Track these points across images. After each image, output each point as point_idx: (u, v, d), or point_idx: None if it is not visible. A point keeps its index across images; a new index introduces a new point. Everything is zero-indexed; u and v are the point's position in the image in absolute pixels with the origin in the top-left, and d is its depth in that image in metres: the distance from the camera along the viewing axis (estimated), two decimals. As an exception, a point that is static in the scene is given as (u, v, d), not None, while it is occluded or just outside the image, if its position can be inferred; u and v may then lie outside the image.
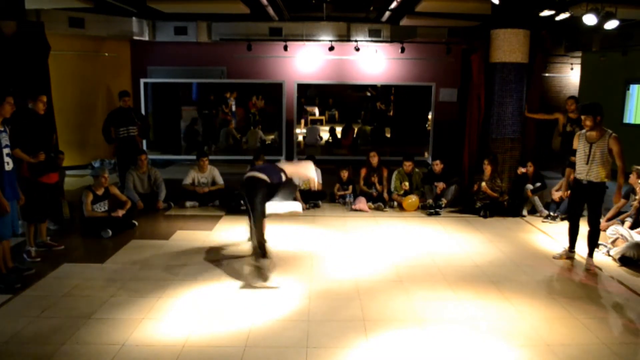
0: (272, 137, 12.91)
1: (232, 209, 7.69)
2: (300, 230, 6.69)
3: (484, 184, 7.79)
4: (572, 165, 5.65)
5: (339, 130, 13.57)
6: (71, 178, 8.36)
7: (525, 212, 7.77)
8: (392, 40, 11.44)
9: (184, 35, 11.30)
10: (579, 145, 5.47)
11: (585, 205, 5.64)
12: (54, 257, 5.57)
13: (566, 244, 5.88)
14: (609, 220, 6.85)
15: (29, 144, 5.37)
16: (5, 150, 4.77)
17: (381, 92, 13.36)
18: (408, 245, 6.27)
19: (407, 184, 8.17)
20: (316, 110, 15.04)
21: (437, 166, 8.31)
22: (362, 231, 6.83)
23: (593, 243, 5.50)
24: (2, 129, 4.80)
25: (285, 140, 12.04)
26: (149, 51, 12.14)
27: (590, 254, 5.52)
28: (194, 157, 8.78)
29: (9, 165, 4.81)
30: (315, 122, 14.43)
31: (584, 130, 5.45)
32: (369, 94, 13.71)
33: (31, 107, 5.55)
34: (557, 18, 8.02)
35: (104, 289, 4.72)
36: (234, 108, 12.99)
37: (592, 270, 5.42)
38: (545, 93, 12.39)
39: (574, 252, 5.80)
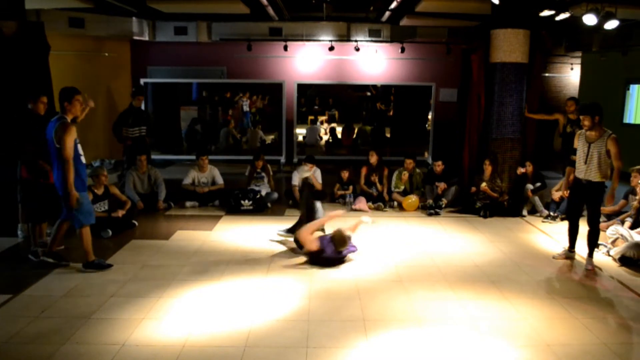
0: (272, 137, 12.91)
1: (232, 209, 7.68)
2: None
3: (484, 184, 7.78)
4: (573, 164, 5.66)
5: (339, 130, 13.57)
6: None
7: (525, 212, 7.76)
8: (392, 40, 11.44)
9: (184, 35, 11.30)
10: (579, 144, 5.50)
11: (584, 205, 5.65)
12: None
13: (566, 244, 5.88)
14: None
15: (29, 145, 5.36)
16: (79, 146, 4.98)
17: (381, 92, 13.36)
18: (408, 245, 6.27)
19: (406, 173, 8.17)
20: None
21: (438, 167, 8.32)
22: (362, 231, 6.82)
23: (593, 243, 5.50)
24: None
25: (285, 140, 12.05)
26: (149, 51, 12.15)
27: (590, 254, 5.53)
28: (193, 157, 8.79)
29: (83, 156, 5.03)
30: (315, 122, 14.43)
31: (583, 130, 5.46)
32: (369, 94, 13.71)
33: (31, 108, 5.53)
34: (557, 18, 8.01)
35: (104, 289, 4.72)
36: (246, 108, 12.97)
37: (592, 270, 5.42)
38: (545, 93, 12.38)
39: (573, 251, 5.81)
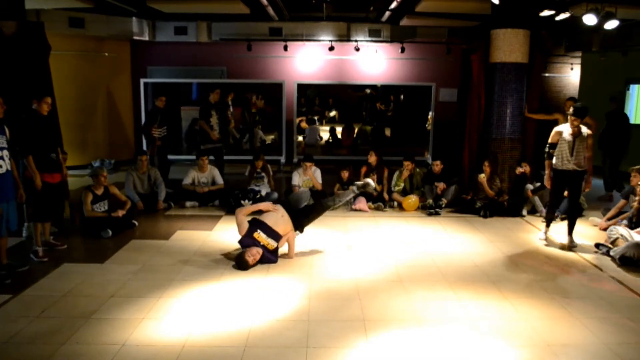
0: (272, 137, 12.90)
1: (232, 209, 7.67)
2: (300, 230, 6.71)
3: (482, 175, 7.77)
4: (551, 158, 6.26)
5: (339, 130, 13.57)
6: (71, 178, 8.35)
7: (525, 212, 7.77)
8: (392, 40, 11.45)
9: (184, 35, 11.30)
10: (562, 139, 6.11)
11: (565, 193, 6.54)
12: (54, 256, 5.57)
13: (544, 228, 6.51)
14: (609, 220, 6.87)
15: (32, 145, 5.36)
16: None
17: (381, 92, 13.36)
18: (408, 245, 6.27)
19: (406, 172, 8.21)
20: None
21: (437, 166, 8.32)
22: (362, 231, 6.84)
23: (574, 222, 6.27)
24: None
25: (285, 140, 12.05)
26: (149, 51, 12.15)
27: (570, 232, 6.25)
28: (193, 157, 8.80)
29: (1, 168, 4.84)
30: (315, 122, 14.43)
31: (562, 128, 6.16)
32: (368, 91, 13.69)
33: (35, 108, 5.54)
34: (557, 18, 8.01)
35: (104, 289, 4.72)
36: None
37: (575, 248, 6.12)
38: (545, 93, 12.38)
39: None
